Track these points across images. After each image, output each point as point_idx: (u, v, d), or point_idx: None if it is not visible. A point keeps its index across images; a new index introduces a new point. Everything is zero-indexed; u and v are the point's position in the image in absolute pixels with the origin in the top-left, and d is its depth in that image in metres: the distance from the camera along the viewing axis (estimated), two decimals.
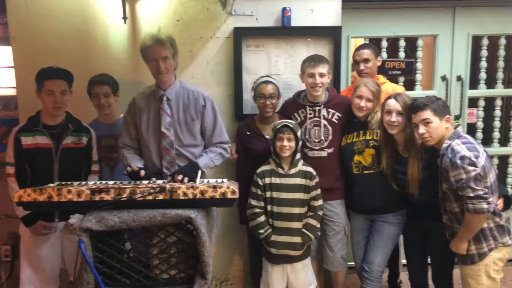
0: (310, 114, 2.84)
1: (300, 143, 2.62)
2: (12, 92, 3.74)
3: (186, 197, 2.01)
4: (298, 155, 2.63)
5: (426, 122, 2.30)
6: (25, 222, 2.55)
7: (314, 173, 2.63)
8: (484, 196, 2.13)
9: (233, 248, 3.41)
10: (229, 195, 2.04)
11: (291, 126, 2.56)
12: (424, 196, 2.48)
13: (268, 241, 2.61)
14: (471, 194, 2.14)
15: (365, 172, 2.71)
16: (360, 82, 2.76)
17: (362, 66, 3.06)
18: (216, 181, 2.21)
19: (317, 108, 2.82)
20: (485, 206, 2.13)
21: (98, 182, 2.20)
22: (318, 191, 2.64)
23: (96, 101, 2.84)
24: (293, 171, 2.61)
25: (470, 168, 2.14)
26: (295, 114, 2.88)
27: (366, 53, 3.06)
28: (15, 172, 2.57)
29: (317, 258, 3.05)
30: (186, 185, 2.04)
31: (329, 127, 2.81)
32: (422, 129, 2.31)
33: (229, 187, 2.05)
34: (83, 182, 2.24)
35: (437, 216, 2.43)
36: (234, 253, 3.44)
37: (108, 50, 3.16)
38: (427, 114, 2.29)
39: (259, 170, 2.66)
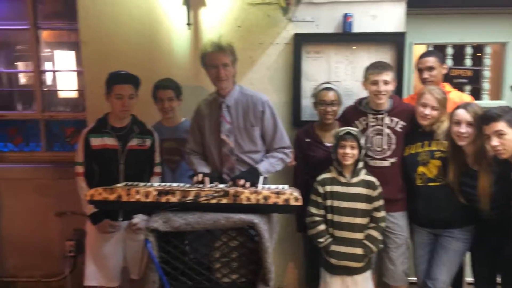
0: (372, 122, 2.77)
1: (363, 151, 2.56)
2: (76, 94, 3.94)
3: (249, 202, 2.02)
4: (360, 164, 2.57)
5: (500, 134, 2.18)
6: (92, 219, 2.65)
7: (377, 183, 2.56)
8: None
9: (289, 255, 3.38)
10: (292, 202, 2.03)
11: (354, 133, 2.51)
12: (495, 212, 2.35)
13: (327, 250, 2.57)
14: None
15: (430, 184, 2.61)
16: (425, 89, 2.67)
17: (426, 74, 2.96)
18: (278, 187, 2.20)
19: (380, 116, 2.75)
20: None
21: (162, 184, 2.24)
22: (381, 201, 2.56)
23: (160, 105, 2.91)
24: (355, 180, 2.56)
25: None
26: (356, 122, 2.82)
27: (431, 60, 2.96)
28: (84, 171, 2.68)
29: (376, 270, 2.96)
30: (249, 190, 2.05)
31: (393, 136, 2.73)
32: (495, 141, 2.19)
33: (292, 194, 2.03)
34: (149, 184, 2.31)
35: (508, 233, 2.30)
36: (289, 261, 3.42)
37: (171, 55, 3.25)
38: (501, 125, 2.18)
39: (319, 177, 2.62)
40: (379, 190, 2.56)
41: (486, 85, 3.50)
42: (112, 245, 2.72)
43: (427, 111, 2.58)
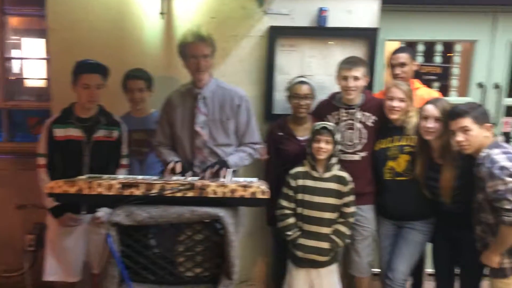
0: (344, 116, 2.78)
1: (338, 147, 2.57)
2: (43, 83, 3.80)
3: (216, 195, 1.99)
4: (334, 159, 2.57)
5: (465, 130, 2.21)
6: (53, 213, 2.57)
7: (349, 178, 2.57)
8: None
9: (256, 248, 3.36)
10: (259, 195, 2.01)
11: (330, 128, 2.52)
12: (456, 205, 2.41)
13: (294, 243, 2.57)
14: (508, 206, 2.05)
15: (398, 178, 2.65)
16: (391, 84, 2.72)
17: (398, 70, 2.98)
18: (246, 180, 2.18)
19: (351, 111, 2.76)
20: None
21: (127, 177, 2.19)
22: (351, 197, 2.57)
23: (130, 95, 2.84)
24: (327, 175, 2.56)
25: (509, 179, 2.05)
26: (329, 116, 2.83)
27: (403, 57, 2.98)
28: (46, 163, 2.59)
29: (341, 262, 2.98)
30: (216, 183, 2.02)
31: (364, 131, 2.75)
32: (460, 137, 2.22)
33: (259, 187, 2.02)
34: (113, 176, 2.25)
35: (468, 226, 2.35)
36: (257, 254, 3.40)
37: (142, 45, 3.16)
38: (467, 121, 2.21)
39: (292, 171, 2.61)
40: (350, 186, 2.57)
41: (454, 82, 3.56)
42: (73, 239, 2.64)
43: (395, 103, 2.60)
